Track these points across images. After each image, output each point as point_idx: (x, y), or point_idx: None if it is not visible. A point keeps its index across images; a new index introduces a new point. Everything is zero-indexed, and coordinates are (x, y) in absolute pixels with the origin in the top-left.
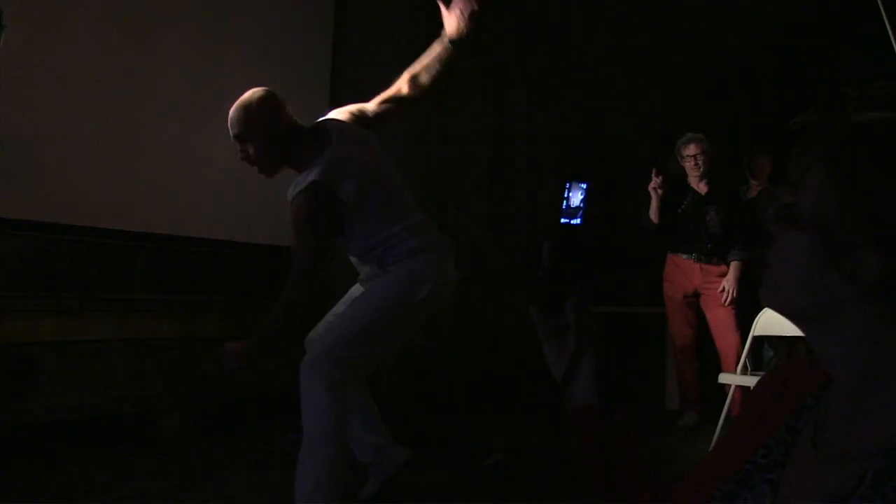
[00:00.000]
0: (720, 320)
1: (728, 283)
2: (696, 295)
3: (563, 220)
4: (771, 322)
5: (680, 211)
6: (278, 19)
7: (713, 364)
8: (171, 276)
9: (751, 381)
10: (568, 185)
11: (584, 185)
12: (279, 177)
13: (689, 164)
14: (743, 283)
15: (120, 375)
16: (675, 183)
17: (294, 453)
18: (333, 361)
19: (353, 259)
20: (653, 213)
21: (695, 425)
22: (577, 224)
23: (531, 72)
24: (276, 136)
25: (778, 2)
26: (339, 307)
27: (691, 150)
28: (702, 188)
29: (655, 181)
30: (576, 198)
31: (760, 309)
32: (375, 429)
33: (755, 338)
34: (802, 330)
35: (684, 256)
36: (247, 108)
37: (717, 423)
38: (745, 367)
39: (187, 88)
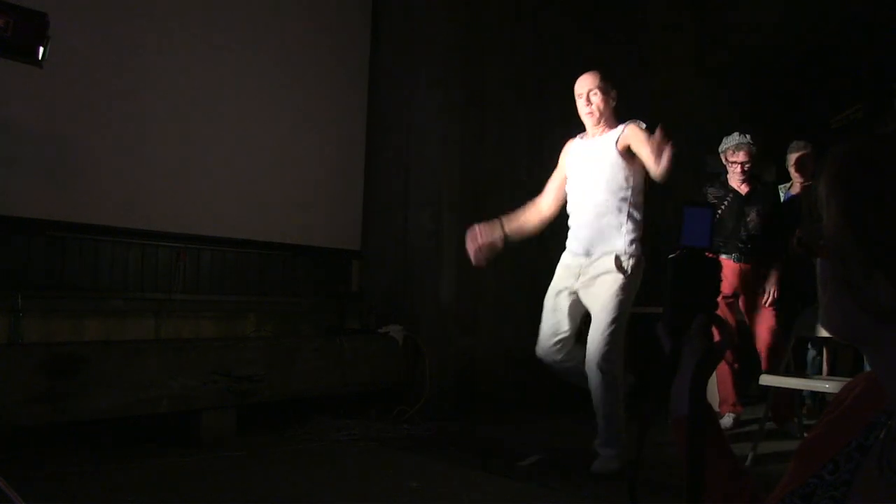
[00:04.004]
0: (761, 321)
1: (769, 284)
2: (736, 296)
3: (686, 243)
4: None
5: (720, 211)
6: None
7: (754, 365)
8: (211, 277)
9: (792, 382)
10: (687, 210)
11: (707, 212)
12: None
13: (734, 169)
14: (784, 283)
15: (161, 374)
16: (715, 182)
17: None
18: None
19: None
20: None
21: (734, 427)
22: (703, 246)
23: (568, 71)
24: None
25: None
26: None
27: (740, 157)
28: (743, 189)
29: None
30: (699, 222)
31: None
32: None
33: (797, 338)
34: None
35: (724, 257)
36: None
37: (757, 425)
38: (786, 368)
39: (244, 94)
